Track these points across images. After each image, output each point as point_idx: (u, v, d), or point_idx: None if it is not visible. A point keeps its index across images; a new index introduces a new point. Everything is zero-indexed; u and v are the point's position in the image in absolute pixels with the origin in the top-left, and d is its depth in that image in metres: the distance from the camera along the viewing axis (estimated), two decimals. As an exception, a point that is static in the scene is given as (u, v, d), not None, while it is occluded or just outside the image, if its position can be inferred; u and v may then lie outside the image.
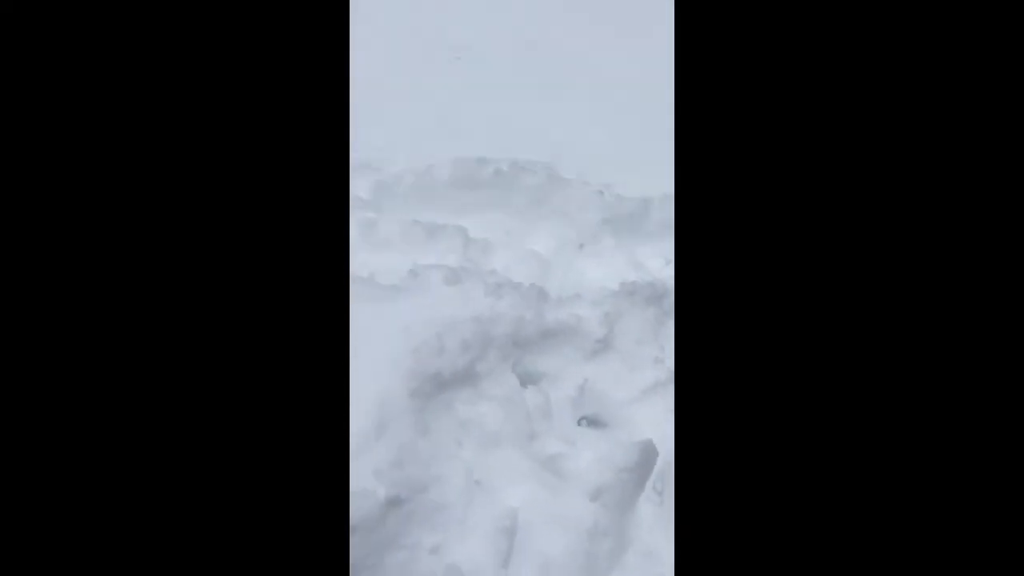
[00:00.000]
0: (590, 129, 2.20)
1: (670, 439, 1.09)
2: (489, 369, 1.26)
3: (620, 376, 1.33)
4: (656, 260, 1.69)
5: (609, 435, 1.26)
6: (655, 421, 1.26)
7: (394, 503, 1.01)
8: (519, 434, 1.20)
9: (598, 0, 3.05)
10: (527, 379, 1.33)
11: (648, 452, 1.19)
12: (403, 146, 2.02)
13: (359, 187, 1.78)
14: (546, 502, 1.11)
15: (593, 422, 1.32)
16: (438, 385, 1.20)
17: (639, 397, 1.31)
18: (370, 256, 1.54)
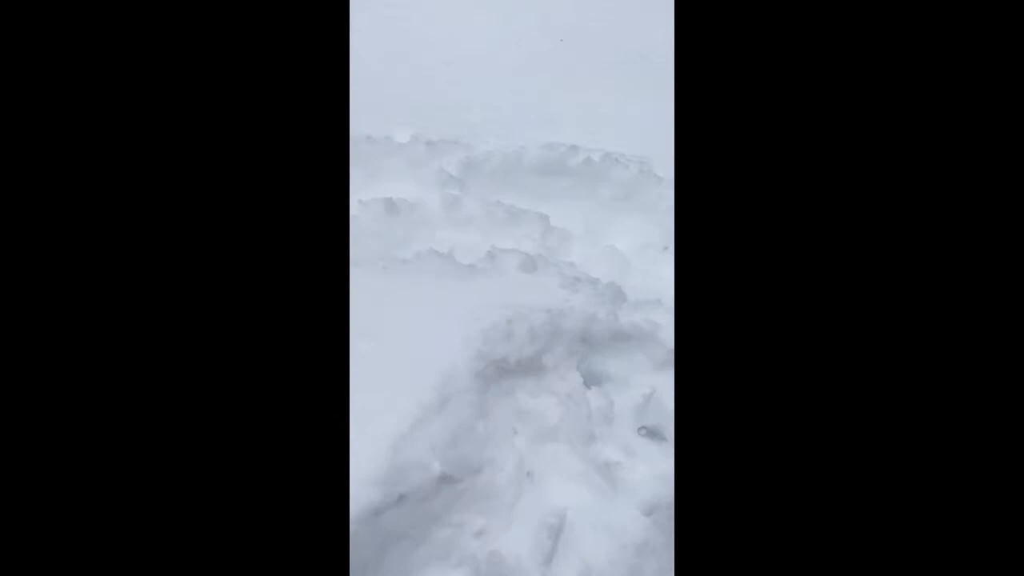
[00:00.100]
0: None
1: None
2: (555, 363, 1.24)
3: (689, 391, 1.27)
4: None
5: (670, 450, 1.21)
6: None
7: (447, 480, 1.02)
8: (577, 434, 1.17)
9: None
10: (591, 379, 1.30)
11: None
12: (496, 126, 2.01)
13: (448, 163, 1.79)
14: (596, 508, 1.08)
15: (654, 434, 1.27)
16: (502, 371, 1.19)
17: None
18: (451, 232, 1.55)
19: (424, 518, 1.00)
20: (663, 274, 1.59)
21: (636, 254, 1.63)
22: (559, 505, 1.09)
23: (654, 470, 1.12)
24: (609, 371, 1.31)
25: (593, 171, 1.81)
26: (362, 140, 1.71)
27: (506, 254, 1.41)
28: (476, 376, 1.15)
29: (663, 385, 1.28)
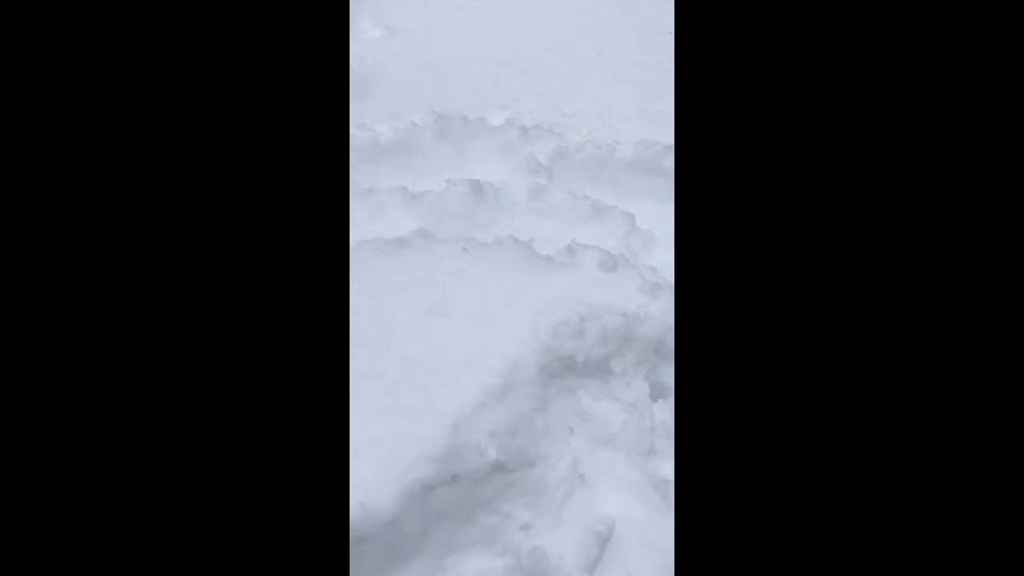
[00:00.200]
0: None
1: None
2: (623, 369, 1.20)
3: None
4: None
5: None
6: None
7: (500, 468, 1.02)
8: (636, 445, 1.13)
9: None
10: (659, 391, 1.25)
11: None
12: (592, 117, 1.96)
13: (539, 150, 1.77)
14: (648, 523, 1.04)
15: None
16: (568, 368, 1.17)
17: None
18: (533, 221, 1.53)
19: (473, 502, 1.01)
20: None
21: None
22: (609, 514, 1.06)
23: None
24: (679, 385, 1.25)
25: (687, 174, 1.73)
26: (457, 119, 1.72)
27: (586, 250, 1.38)
28: (541, 370, 1.13)
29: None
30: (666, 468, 1.13)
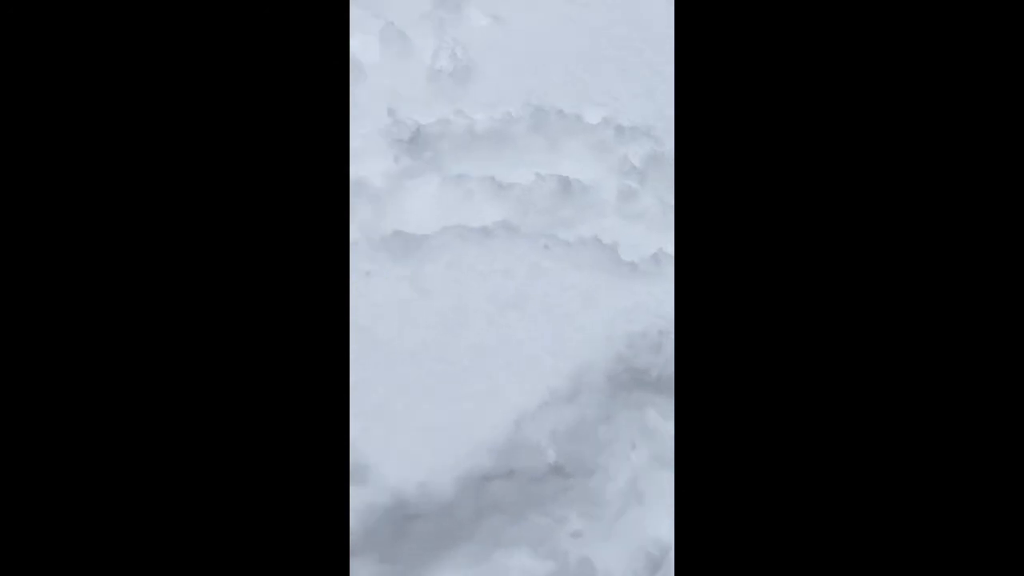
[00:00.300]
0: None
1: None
2: (697, 389, 1.15)
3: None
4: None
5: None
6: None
7: (557, 471, 1.00)
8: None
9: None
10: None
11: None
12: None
13: (633, 152, 1.72)
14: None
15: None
16: (639, 381, 1.13)
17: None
18: (619, 224, 1.49)
19: (527, 500, 1.00)
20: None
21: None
22: (664, 539, 1.02)
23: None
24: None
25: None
26: (553, 113, 1.70)
27: (672, 261, 1.32)
28: (610, 379, 1.10)
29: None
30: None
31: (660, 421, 1.12)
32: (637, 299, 1.20)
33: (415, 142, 1.43)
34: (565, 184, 1.55)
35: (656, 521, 1.04)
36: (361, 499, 0.93)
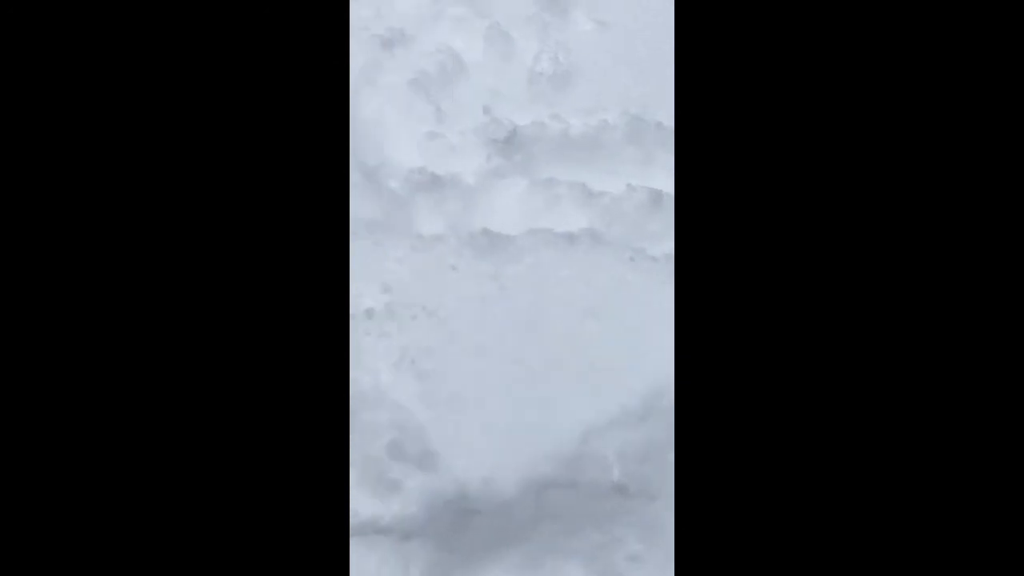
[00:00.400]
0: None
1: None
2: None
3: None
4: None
5: None
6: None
7: (621, 490, 0.99)
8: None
9: None
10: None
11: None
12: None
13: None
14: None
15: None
16: (715, 409, 1.09)
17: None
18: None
19: (587, 514, 0.99)
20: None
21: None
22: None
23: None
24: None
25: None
26: (651, 124, 1.67)
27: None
28: (685, 402, 1.08)
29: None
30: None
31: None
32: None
33: (509, 143, 1.45)
34: (656, 197, 1.52)
35: (717, 557, 1.00)
36: (426, 485, 0.96)
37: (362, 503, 0.96)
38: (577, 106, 1.66)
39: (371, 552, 1.00)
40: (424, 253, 1.22)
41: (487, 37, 1.69)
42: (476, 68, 1.64)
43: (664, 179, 1.55)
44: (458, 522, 0.97)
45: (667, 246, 1.41)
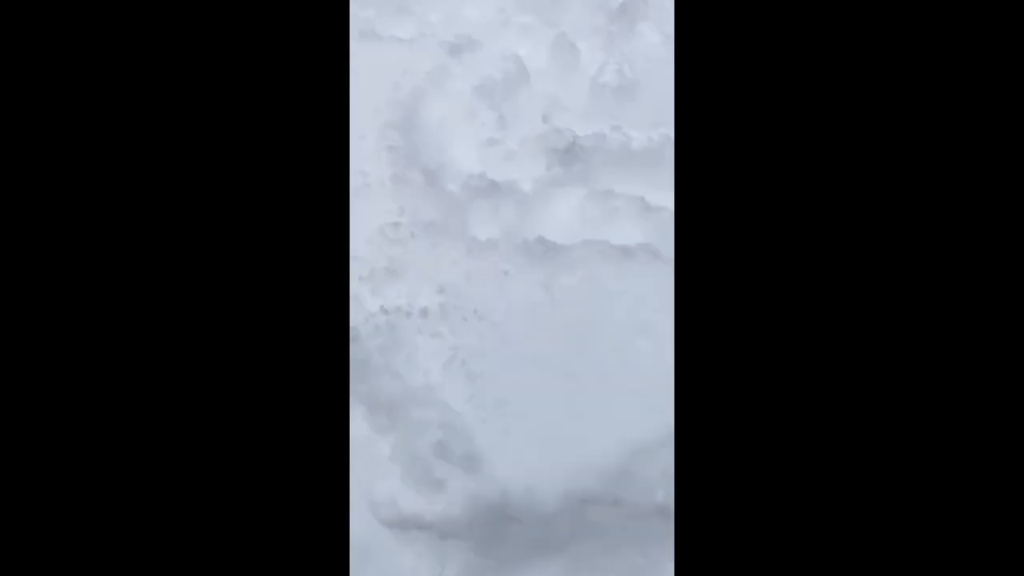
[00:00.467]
0: None
1: None
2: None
3: None
4: None
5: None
6: None
7: (663, 512, 0.97)
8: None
9: None
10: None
11: None
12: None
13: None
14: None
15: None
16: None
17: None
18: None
19: (627, 533, 0.98)
20: None
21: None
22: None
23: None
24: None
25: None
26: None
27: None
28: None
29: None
30: None
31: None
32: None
33: (569, 152, 1.45)
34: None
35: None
36: (469, 487, 0.96)
37: (406, 498, 0.97)
38: (639, 119, 1.65)
39: (408, 547, 1.01)
40: (478, 257, 1.24)
41: (553, 47, 1.69)
42: (540, 77, 1.65)
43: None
44: (497, 528, 0.97)
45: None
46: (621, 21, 1.83)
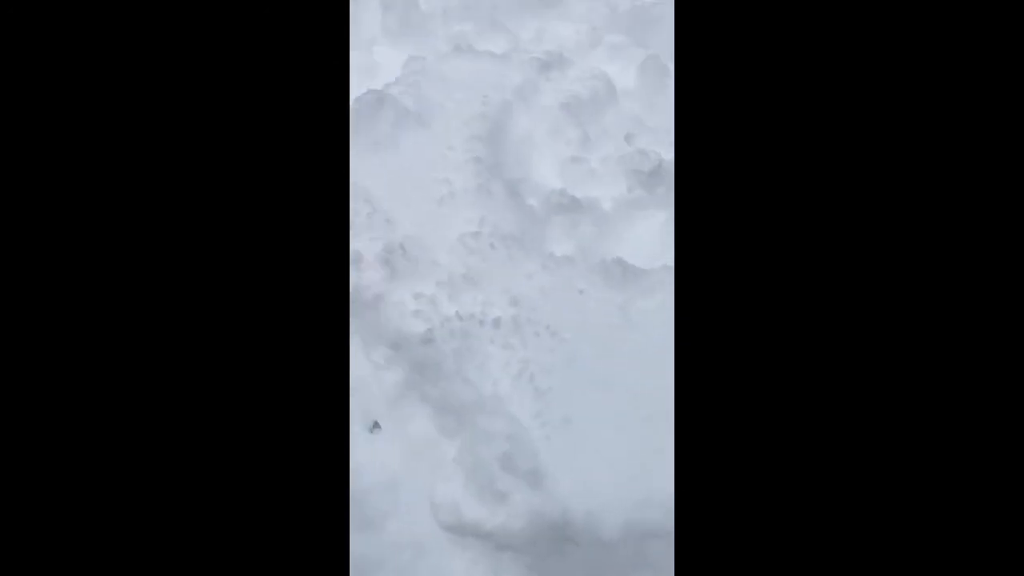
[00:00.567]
0: None
1: None
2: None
3: None
4: None
5: None
6: None
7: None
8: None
9: None
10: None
11: None
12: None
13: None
14: None
15: None
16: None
17: None
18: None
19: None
20: None
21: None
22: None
23: None
24: None
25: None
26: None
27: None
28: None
29: None
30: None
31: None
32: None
33: (654, 175, 1.44)
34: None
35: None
36: (531, 503, 0.96)
37: (467, 504, 0.99)
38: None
39: (464, 552, 1.02)
40: (554, 273, 1.24)
41: (643, 67, 1.69)
42: (628, 97, 1.65)
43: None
44: (555, 548, 0.96)
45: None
46: (714, 45, 1.80)
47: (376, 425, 1.12)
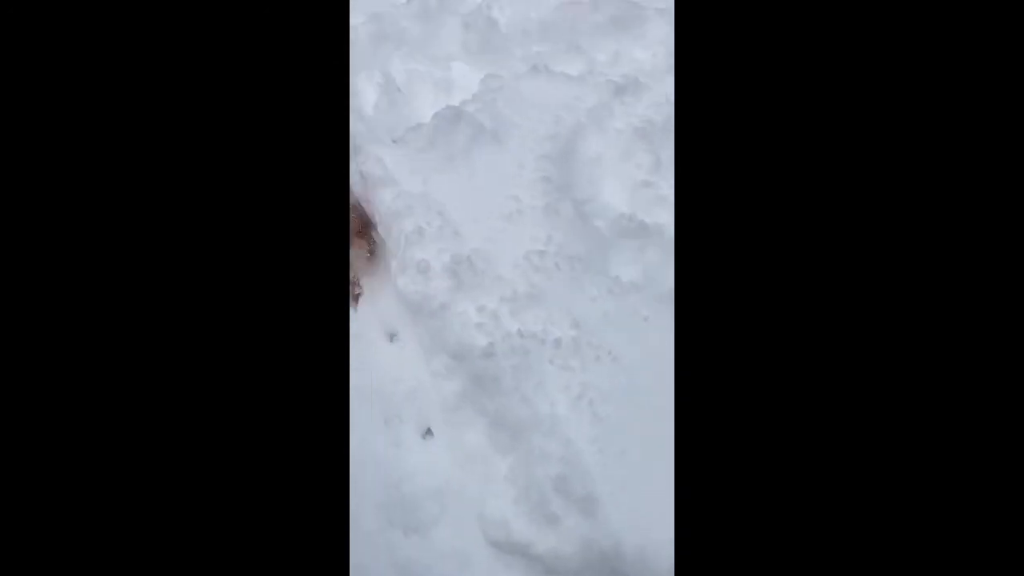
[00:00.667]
0: None
1: None
2: None
3: None
4: None
5: None
6: None
7: None
8: None
9: None
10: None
11: None
12: None
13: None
14: None
15: None
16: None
17: None
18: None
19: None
20: None
21: None
22: None
23: None
24: None
25: None
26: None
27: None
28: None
29: None
30: None
31: None
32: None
33: (725, 205, 1.41)
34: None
35: None
36: (583, 530, 0.95)
37: (518, 524, 0.98)
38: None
39: (508, 571, 1.01)
40: (619, 298, 1.23)
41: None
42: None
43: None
44: (604, 577, 0.95)
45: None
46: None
47: (428, 432, 1.14)
